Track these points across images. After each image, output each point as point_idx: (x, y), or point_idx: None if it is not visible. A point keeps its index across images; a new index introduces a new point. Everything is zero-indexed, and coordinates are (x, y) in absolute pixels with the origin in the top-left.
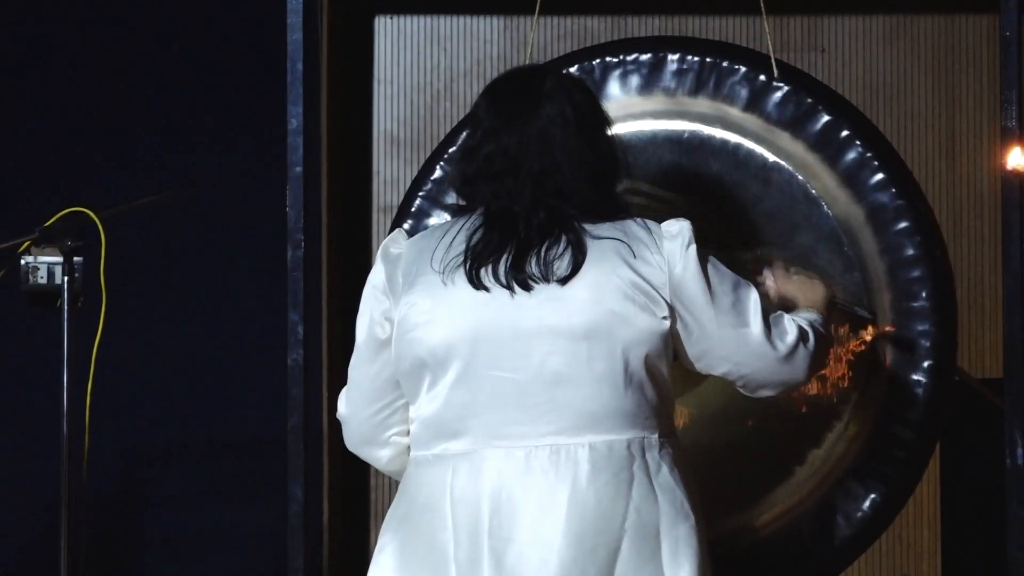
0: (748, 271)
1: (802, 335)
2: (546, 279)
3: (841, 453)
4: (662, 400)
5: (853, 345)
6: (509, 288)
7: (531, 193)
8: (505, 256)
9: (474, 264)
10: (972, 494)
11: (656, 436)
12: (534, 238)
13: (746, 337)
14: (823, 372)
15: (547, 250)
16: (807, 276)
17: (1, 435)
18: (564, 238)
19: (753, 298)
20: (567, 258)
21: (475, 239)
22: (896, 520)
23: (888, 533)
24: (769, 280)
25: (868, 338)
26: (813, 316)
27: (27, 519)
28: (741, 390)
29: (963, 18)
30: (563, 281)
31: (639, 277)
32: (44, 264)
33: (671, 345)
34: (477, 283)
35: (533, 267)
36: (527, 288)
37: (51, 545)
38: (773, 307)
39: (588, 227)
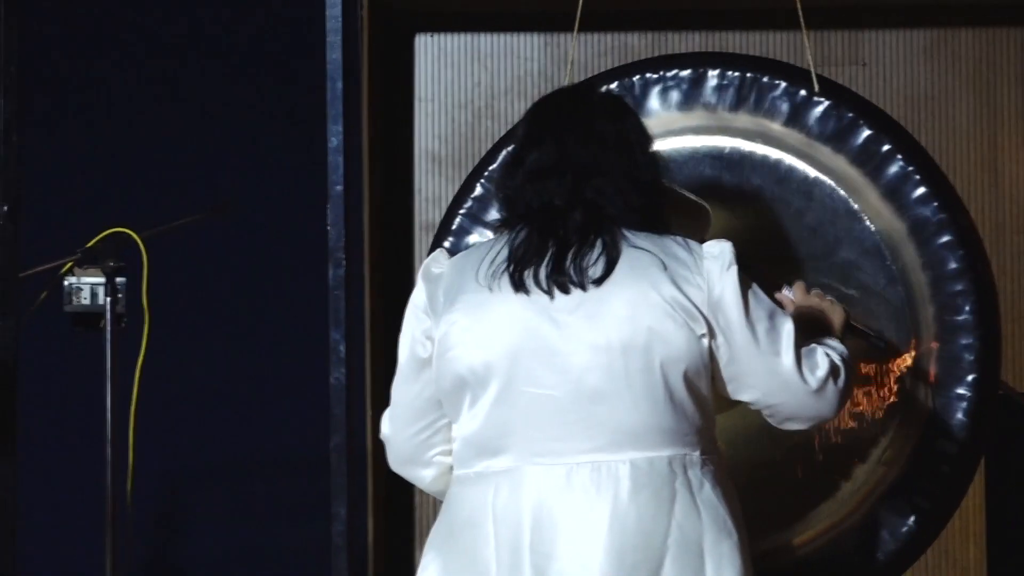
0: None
1: (833, 370)
2: (582, 285)
3: (885, 469)
4: (703, 417)
5: (899, 363)
6: (548, 292)
7: (571, 191)
8: (546, 259)
9: (518, 267)
10: (1018, 508)
11: (698, 453)
12: (572, 238)
13: (777, 367)
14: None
15: (584, 252)
16: (826, 298)
17: (46, 456)
18: (600, 240)
19: (788, 329)
20: (602, 261)
21: (517, 242)
22: (942, 535)
23: (933, 548)
24: (787, 295)
25: (911, 358)
26: (841, 348)
27: (72, 539)
28: (769, 420)
29: (1004, 31)
30: (598, 282)
31: (678, 293)
32: (87, 285)
33: (710, 363)
34: (519, 285)
35: (571, 270)
36: (565, 291)
37: (96, 565)
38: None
39: (627, 233)
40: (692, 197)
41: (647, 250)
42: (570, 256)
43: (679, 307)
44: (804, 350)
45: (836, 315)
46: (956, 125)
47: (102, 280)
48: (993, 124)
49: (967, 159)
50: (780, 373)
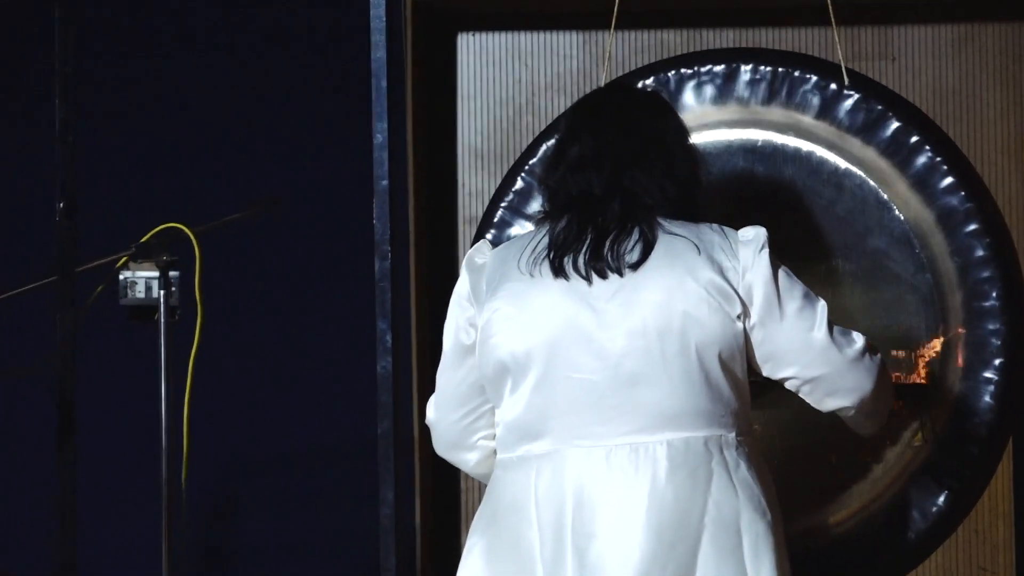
0: (821, 279)
1: (869, 347)
2: (619, 270)
3: (915, 452)
4: (738, 398)
5: (928, 348)
6: (587, 278)
7: (610, 182)
8: (585, 245)
9: (558, 253)
10: None
11: (733, 434)
12: (611, 225)
13: (812, 341)
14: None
15: (622, 239)
16: None
17: (104, 444)
18: (637, 228)
19: (821, 306)
20: (639, 247)
21: (558, 230)
22: (971, 515)
23: (964, 527)
24: None
25: (940, 343)
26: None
27: (129, 524)
28: (808, 399)
29: None
30: (635, 267)
31: (714, 276)
32: (141, 279)
33: (744, 345)
34: (559, 270)
35: (608, 257)
36: (603, 276)
37: (152, 548)
38: None
39: (663, 222)
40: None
41: (683, 236)
42: (608, 243)
43: (715, 290)
44: (838, 328)
45: None
46: (983, 117)
47: (156, 274)
48: (1020, 116)
49: (994, 150)
50: (815, 346)
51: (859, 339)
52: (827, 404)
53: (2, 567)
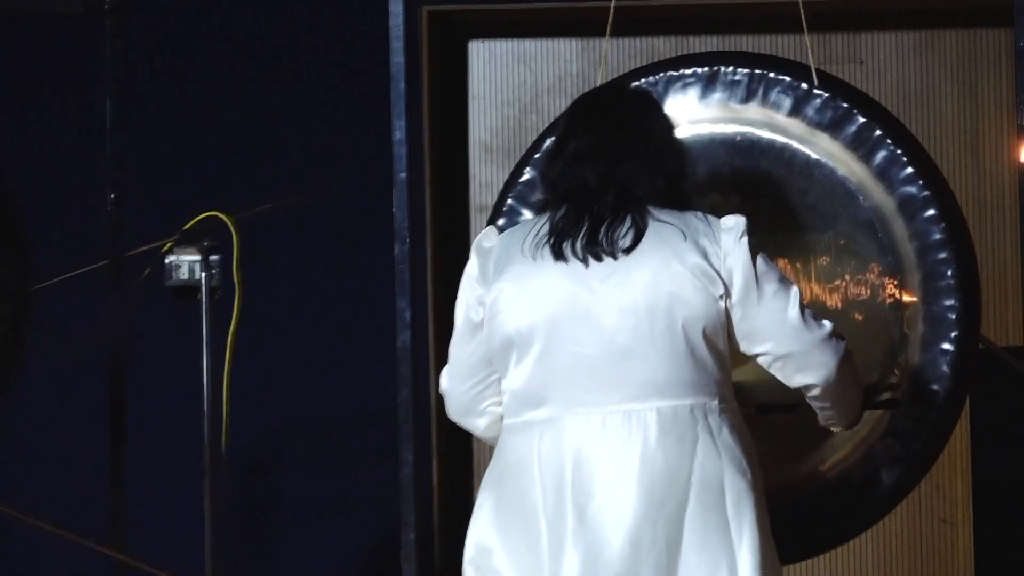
0: (794, 260)
1: (837, 333)
2: (613, 254)
3: (880, 414)
4: (720, 369)
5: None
6: (584, 261)
7: (605, 174)
8: (582, 232)
9: (558, 239)
10: (998, 447)
11: (716, 402)
12: (605, 214)
13: (785, 319)
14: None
15: (615, 226)
16: None
17: (151, 413)
18: (630, 216)
19: (794, 290)
20: (631, 233)
21: (557, 218)
22: (932, 471)
23: (926, 482)
24: None
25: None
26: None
27: (174, 485)
28: (778, 375)
29: (984, 32)
30: (627, 251)
31: (698, 259)
32: (185, 262)
33: (726, 321)
34: (559, 254)
35: (603, 242)
36: (599, 259)
37: (195, 507)
38: None
39: (653, 211)
40: None
41: (670, 223)
42: (603, 230)
43: (699, 272)
44: (809, 311)
45: None
46: (942, 115)
47: (198, 258)
48: (975, 114)
49: (952, 144)
50: (788, 323)
51: (827, 324)
52: (795, 380)
53: (58, 525)
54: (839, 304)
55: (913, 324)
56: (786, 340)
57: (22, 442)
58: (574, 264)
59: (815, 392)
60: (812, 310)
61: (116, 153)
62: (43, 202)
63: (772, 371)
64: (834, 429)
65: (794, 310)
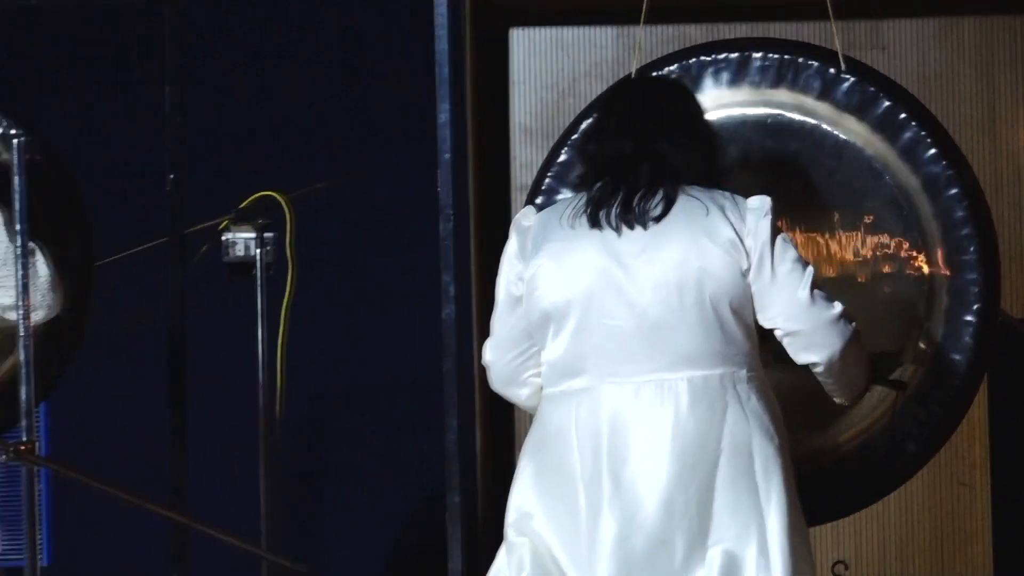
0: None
1: (846, 314)
2: (644, 224)
3: (906, 383)
4: (748, 340)
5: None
6: (617, 229)
7: (640, 147)
8: (617, 200)
9: (595, 208)
10: (1014, 414)
11: (745, 371)
12: (640, 184)
13: (796, 299)
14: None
15: (648, 197)
16: None
17: (210, 382)
18: (662, 189)
19: (809, 270)
20: (662, 205)
21: (595, 189)
22: (952, 437)
23: (946, 449)
24: None
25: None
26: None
27: (232, 451)
28: (788, 350)
29: (1001, 19)
30: (657, 220)
31: (724, 237)
32: (241, 239)
33: (751, 295)
34: (595, 221)
35: (636, 210)
36: (631, 227)
37: (251, 472)
38: None
39: (684, 186)
40: None
41: (699, 199)
42: (636, 199)
43: (726, 248)
44: (821, 292)
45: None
46: (961, 97)
47: (254, 235)
48: (991, 96)
49: (970, 125)
50: (799, 301)
51: (837, 306)
52: (801, 357)
53: (123, 488)
54: (866, 278)
55: (937, 297)
56: (794, 318)
57: (88, 410)
58: (608, 234)
59: (819, 369)
60: (825, 291)
61: (176, 136)
62: (107, 183)
63: (784, 344)
64: (836, 401)
65: (804, 290)
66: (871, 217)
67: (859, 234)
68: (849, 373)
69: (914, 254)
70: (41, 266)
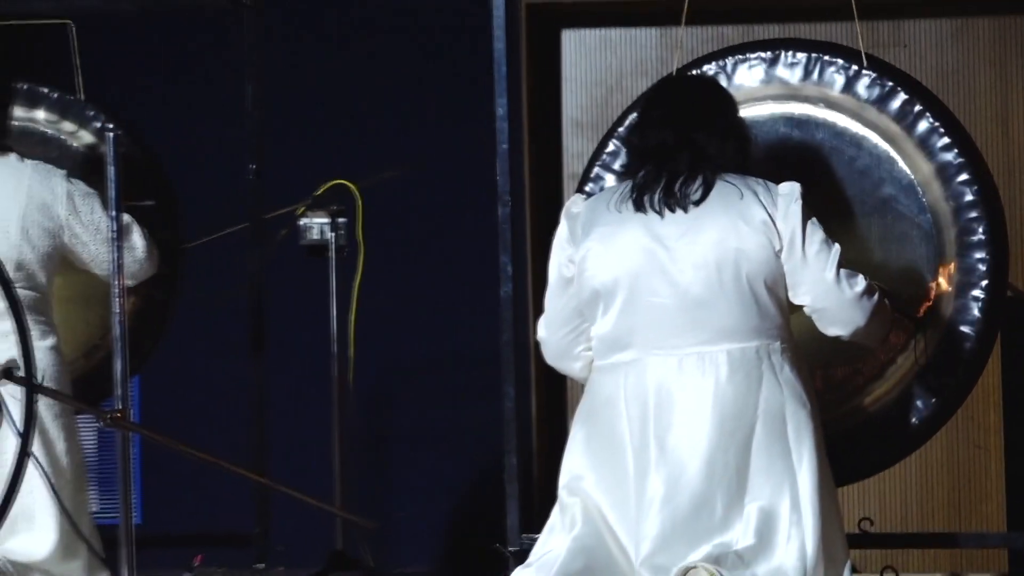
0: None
1: (870, 289)
2: (684, 207)
3: (919, 354)
4: (781, 315)
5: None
6: (660, 212)
7: (681, 137)
8: (660, 185)
9: (640, 193)
10: None
11: (778, 343)
12: (681, 170)
13: (823, 279)
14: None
15: (688, 182)
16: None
17: (288, 354)
18: (701, 175)
19: (835, 251)
20: (701, 189)
21: (640, 175)
22: (968, 403)
23: (961, 413)
24: None
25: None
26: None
27: (308, 416)
28: (817, 324)
29: (1013, 19)
30: (697, 203)
31: (757, 220)
32: (316, 224)
33: (784, 273)
34: (639, 205)
35: (677, 194)
36: (672, 210)
37: (326, 435)
38: None
39: (721, 172)
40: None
41: (735, 185)
42: (678, 184)
43: (760, 230)
44: (847, 271)
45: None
46: (976, 92)
47: (327, 220)
48: (1004, 91)
49: (984, 118)
50: (825, 282)
51: (861, 283)
52: (828, 331)
53: (208, 452)
54: (884, 256)
55: (948, 273)
56: (821, 296)
57: (177, 382)
58: (652, 216)
59: (844, 338)
60: (850, 270)
61: (256, 130)
62: (194, 173)
63: (813, 319)
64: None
65: (831, 272)
66: (889, 200)
67: (878, 216)
68: (873, 336)
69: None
70: (136, 238)
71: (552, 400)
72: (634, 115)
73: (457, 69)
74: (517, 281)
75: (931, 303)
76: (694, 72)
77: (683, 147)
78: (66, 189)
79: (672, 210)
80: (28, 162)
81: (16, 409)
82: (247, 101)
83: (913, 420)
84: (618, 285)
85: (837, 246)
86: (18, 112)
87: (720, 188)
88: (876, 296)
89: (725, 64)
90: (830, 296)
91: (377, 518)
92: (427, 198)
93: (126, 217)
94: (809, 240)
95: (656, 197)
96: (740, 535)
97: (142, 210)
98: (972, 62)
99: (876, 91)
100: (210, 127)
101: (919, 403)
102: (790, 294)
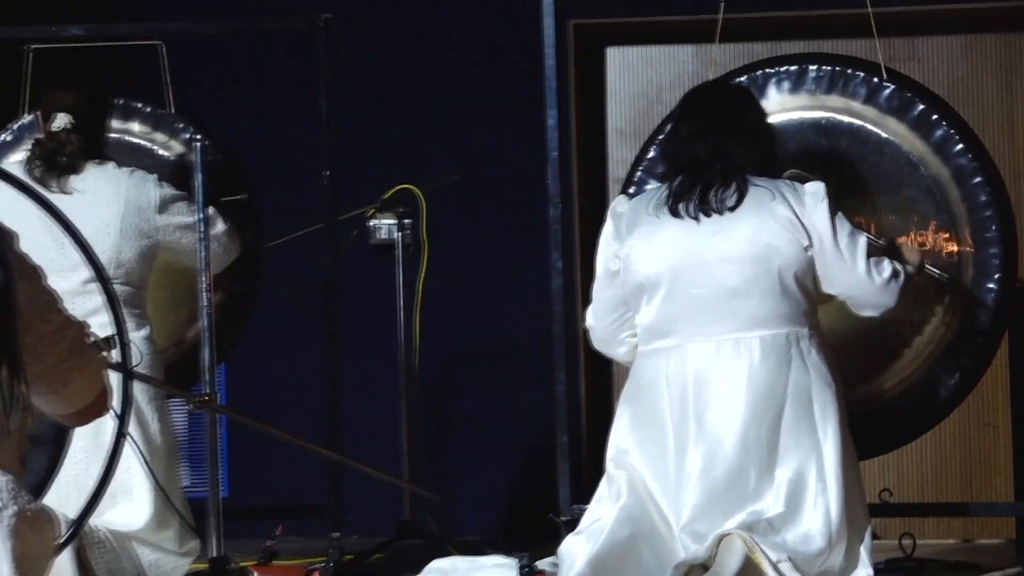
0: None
1: (894, 273)
2: (720, 211)
3: (939, 339)
4: (809, 304)
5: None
6: (696, 218)
7: (713, 149)
8: (695, 195)
9: (676, 201)
10: None
11: (806, 330)
12: (714, 180)
13: (853, 269)
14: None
15: (721, 189)
16: (907, 245)
17: (360, 343)
18: (734, 182)
19: (862, 243)
20: (735, 196)
21: (675, 184)
22: (979, 385)
23: (973, 395)
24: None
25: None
26: (908, 267)
27: (377, 398)
28: (851, 308)
29: (1019, 36)
30: (732, 209)
31: (787, 218)
32: (384, 225)
33: (813, 266)
34: (675, 213)
35: (712, 201)
36: (708, 215)
37: (393, 415)
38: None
39: (751, 178)
40: (806, 175)
41: (766, 188)
42: (712, 192)
43: (789, 227)
44: (874, 259)
45: (914, 256)
46: (984, 102)
47: (395, 221)
48: (1010, 101)
49: (992, 126)
50: (855, 274)
51: (887, 268)
52: (861, 313)
53: (288, 432)
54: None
55: (964, 268)
56: (853, 286)
57: (260, 369)
58: (688, 221)
59: (876, 317)
60: (876, 258)
61: (330, 139)
62: (273, 179)
63: (846, 304)
64: None
65: (861, 263)
66: (908, 201)
67: (898, 216)
68: (900, 307)
69: (944, 232)
70: (220, 223)
71: (599, 383)
72: (669, 126)
73: (512, 83)
74: (567, 275)
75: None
76: (721, 77)
77: (715, 158)
78: (159, 194)
79: (708, 215)
80: (124, 170)
81: (114, 393)
82: (322, 113)
83: (933, 399)
84: (660, 278)
85: (863, 238)
86: (115, 125)
87: (752, 192)
88: (901, 277)
89: (756, 77)
90: (862, 285)
91: (440, 491)
92: (485, 200)
93: (211, 208)
94: (838, 234)
95: (692, 205)
96: (771, 504)
97: (232, 205)
98: (980, 75)
99: (896, 102)
100: (288, 137)
101: (938, 385)
102: (823, 284)
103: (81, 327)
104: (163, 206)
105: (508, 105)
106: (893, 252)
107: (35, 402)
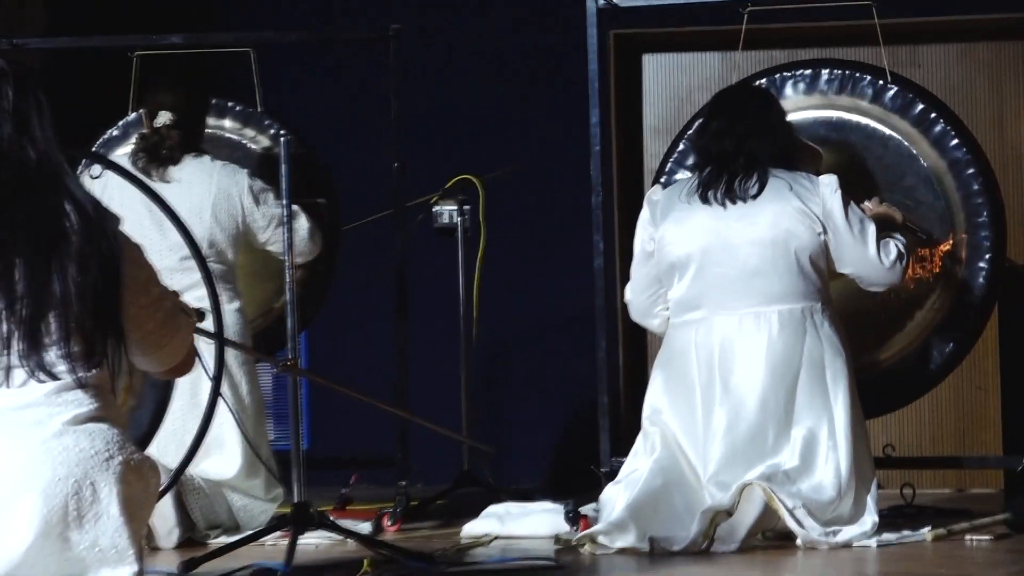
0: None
1: (900, 255)
2: (744, 199)
3: (935, 313)
4: (822, 282)
5: (941, 248)
6: (723, 204)
7: (738, 144)
8: (722, 184)
9: (705, 189)
10: (1018, 334)
11: (820, 304)
12: (739, 171)
13: (864, 253)
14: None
15: (745, 180)
16: (891, 207)
17: (425, 319)
18: (755, 174)
19: (871, 230)
20: (757, 186)
21: (704, 175)
22: (971, 353)
23: (966, 362)
24: (868, 205)
25: (949, 244)
26: (903, 240)
27: (439, 369)
28: (861, 286)
29: (1008, 44)
30: (754, 197)
31: (803, 206)
32: (446, 211)
33: (825, 250)
34: (705, 199)
35: (737, 190)
36: (733, 203)
37: (454, 381)
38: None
39: (772, 170)
40: (812, 145)
41: (784, 179)
42: (737, 182)
43: (805, 214)
44: (881, 242)
45: (896, 215)
46: (977, 102)
47: (456, 208)
48: (1000, 102)
49: (984, 123)
50: (866, 257)
51: (893, 251)
52: (870, 289)
53: (362, 392)
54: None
55: (958, 249)
56: (863, 268)
57: (337, 338)
58: (716, 207)
59: (881, 290)
60: (883, 241)
61: (398, 134)
62: (348, 171)
63: (856, 282)
64: None
65: (871, 248)
66: (909, 190)
67: (901, 204)
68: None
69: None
70: (303, 221)
71: (636, 351)
72: (699, 123)
73: (559, 86)
74: (607, 256)
75: (950, 248)
76: (746, 79)
77: (739, 152)
78: (248, 184)
79: (733, 202)
80: (217, 162)
81: (209, 358)
82: (392, 111)
83: (930, 366)
84: (691, 258)
85: (872, 224)
86: (210, 122)
87: (772, 183)
88: (905, 258)
89: (775, 79)
90: (871, 267)
91: (495, 445)
92: (535, 189)
93: (295, 206)
94: (851, 221)
95: (719, 193)
96: (787, 458)
97: (313, 204)
98: (974, 78)
99: (899, 101)
100: (362, 132)
101: (934, 353)
102: (836, 266)
103: (175, 297)
104: (251, 195)
105: (556, 105)
106: (882, 219)
107: (133, 361)
